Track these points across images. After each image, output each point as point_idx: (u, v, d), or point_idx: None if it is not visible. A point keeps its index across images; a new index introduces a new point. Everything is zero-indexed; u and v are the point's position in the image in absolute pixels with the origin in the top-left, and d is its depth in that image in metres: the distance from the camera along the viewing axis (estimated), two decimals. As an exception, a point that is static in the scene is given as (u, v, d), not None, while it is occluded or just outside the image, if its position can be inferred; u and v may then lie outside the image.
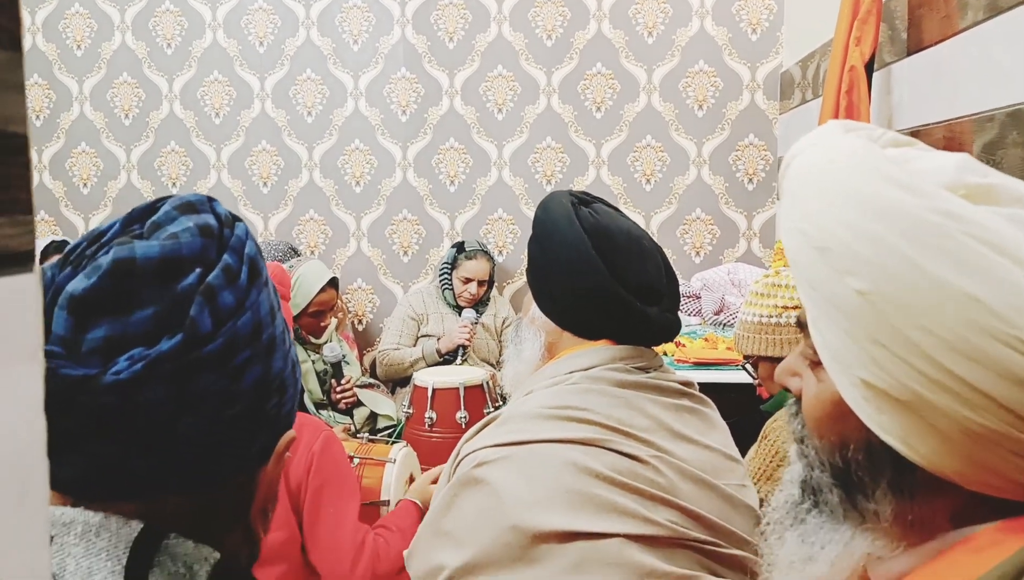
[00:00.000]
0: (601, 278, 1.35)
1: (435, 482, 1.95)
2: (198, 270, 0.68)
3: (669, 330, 1.44)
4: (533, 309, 1.48)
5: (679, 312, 1.50)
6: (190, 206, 0.72)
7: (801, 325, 0.73)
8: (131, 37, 4.17)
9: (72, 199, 4.26)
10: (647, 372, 1.40)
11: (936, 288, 0.59)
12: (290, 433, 0.79)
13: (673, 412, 1.36)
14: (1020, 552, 0.58)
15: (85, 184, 4.25)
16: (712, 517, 1.25)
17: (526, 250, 1.49)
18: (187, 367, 0.65)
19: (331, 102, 4.10)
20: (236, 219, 0.75)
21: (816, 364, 0.71)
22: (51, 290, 0.67)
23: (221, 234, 0.71)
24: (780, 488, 0.78)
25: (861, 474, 0.67)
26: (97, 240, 0.71)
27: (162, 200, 0.74)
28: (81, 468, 0.67)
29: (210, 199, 0.75)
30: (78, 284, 0.65)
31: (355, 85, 4.08)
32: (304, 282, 2.96)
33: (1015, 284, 0.57)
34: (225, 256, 0.70)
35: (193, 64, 4.15)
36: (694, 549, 1.22)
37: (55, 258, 0.73)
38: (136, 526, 0.68)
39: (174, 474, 0.69)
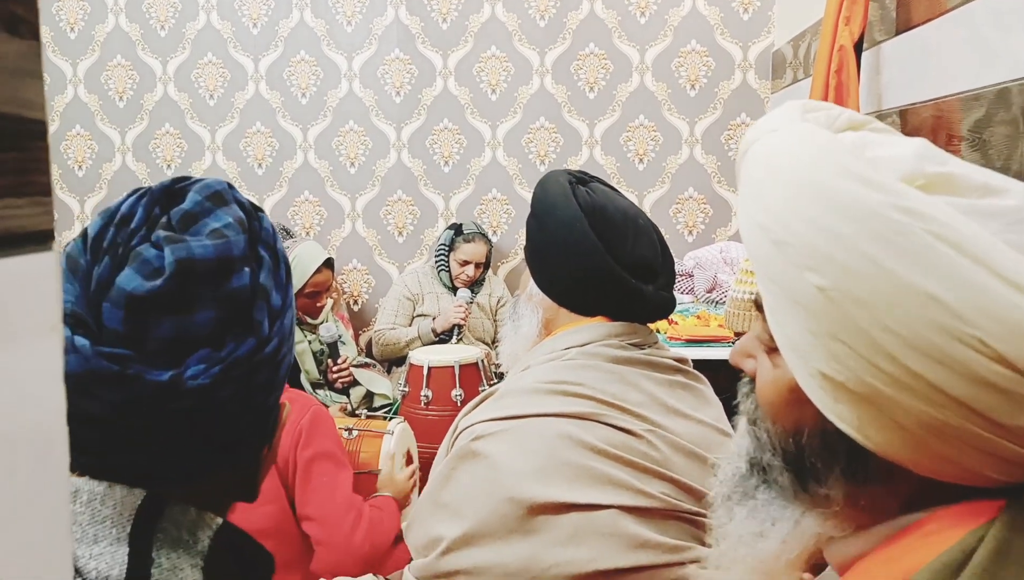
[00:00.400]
0: (597, 255, 1.37)
1: (413, 473, 1.98)
2: (247, 270, 0.70)
3: (664, 307, 1.46)
4: (531, 286, 1.50)
5: (674, 280, 1.52)
6: (220, 197, 0.74)
7: (759, 307, 0.72)
8: (124, 19, 4.16)
9: (67, 181, 4.26)
10: (642, 349, 1.42)
11: (896, 287, 0.59)
12: (287, 404, 0.83)
13: (667, 387, 1.39)
14: (967, 536, 0.59)
15: (80, 166, 4.26)
16: (704, 489, 1.27)
17: (520, 230, 1.52)
18: (253, 367, 0.69)
19: (325, 83, 4.10)
20: (257, 209, 0.77)
21: (772, 349, 0.71)
22: (95, 282, 0.68)
23: (251, 227, 0.74)
24: (727, 460, 0.78)
25: (815, 460, 0.67)
26: (124, 226, 0.71)
27: (182, 183, 0.75)
28: (144, 461, 0.70)
29: (229, 185, 0.77)
30: (136, 282, 0.67)
31: (349, 66, 4.08)
32: (300, 263, 2.98)
33: (974, 283, 0.57)
34: (263, 254, 0.73)
35: (187, 46, 4.15)
36: (686, 520, 1.25)
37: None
38: (139, 494, 0.71)
39: (224, 458, 0.73)
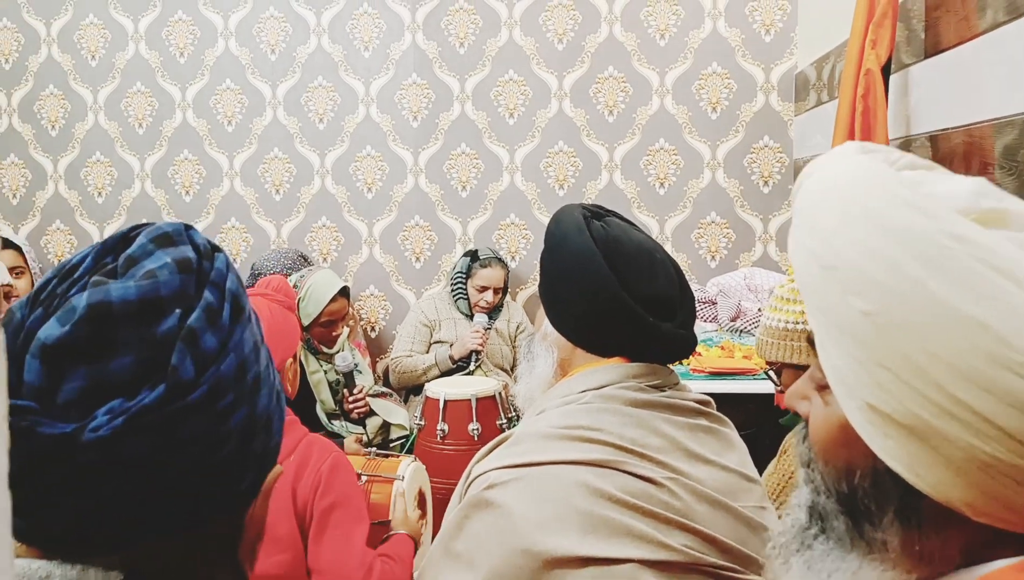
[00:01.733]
0: (612, 290, 1.33)
1: (423, 516, 1.92)
2: (178, 311, 0.65)
3: (684, 346, 1.41)
4: (545, 325, 1.45)
5: (695, 318, 1.46)
6: (167, 238, 0.69)
7: (811, 342, 0.71)
8: (144, 47, 4.17)
9: (87, 208, 4.27)
10: (662, 390, 1.37)
11: (943, 312, 0.57)
12: (276, 469, 0.76)
13: (688, 432, 1.33)
14: None
15: (100, 193, 4.26)
16: (728, 541, 1.22)
17: (539, 256, 1.47)
18: (170, 417, 0.63)
19: (343, 109, 4.09)
20: (215, 249, 0.72)
21: (824, 387, 0.70)
22: (22, 334, 0.64)
23: (200, 268, 0.69)
24: (787, 512, 0.77)
25: (867, 502, 0.66)
26: (68, 276, 0.67)
27: (137, 229, 0.71)
28: (62, 524, 0.64)
29: (187, 227, 0.72)
30: (51, 330, 0.62)
31: (366, 92, 4.07)
32: (315, 292, 2.95)
33: (1022, 310, 0.56)
34: (206, 293, 0.67)
35: (206, 73, 4.15)
36: (710, 575, 1.20)
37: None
38: (116, 577, 0.65)
39: (159, 522, 0.66)
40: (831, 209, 0.65)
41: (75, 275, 0.67)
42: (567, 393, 1.36)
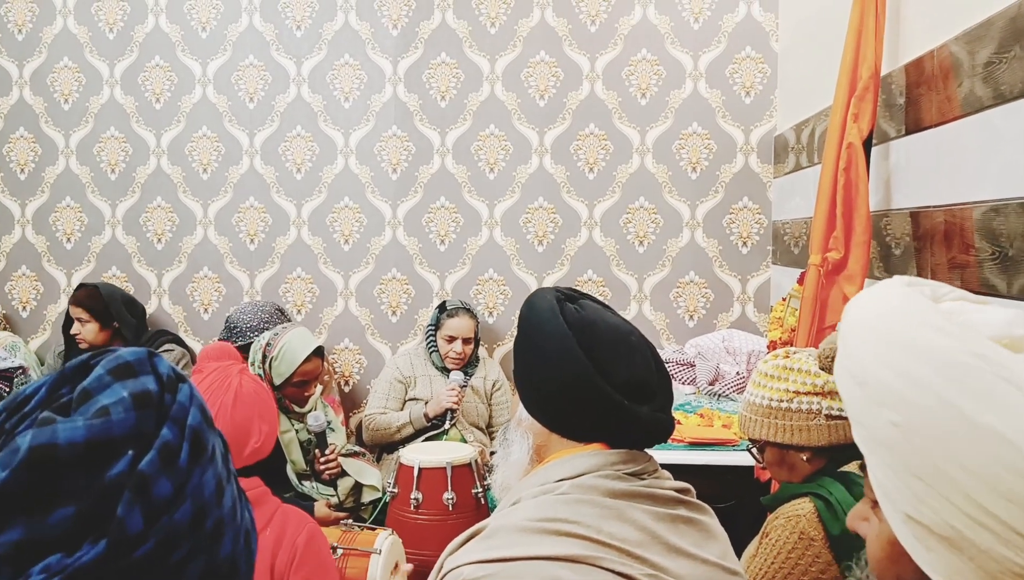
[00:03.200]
0: (586, 374, 1.29)
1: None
2: (130, 453, 0.59)
3: (662, 430, 1.37)
4: (520, 410, 1.41)
5: (673, 381, 1.43)
6: (127, 368, 0.64)
7: (863, 468, 0.76)
8: (120, 92, 4.12)
9: (55, 254, 4.18)
10: (641, 478, 1.32)
11: (967, 425, 0.61)
12: None
13: (668, 523, 1.29)
14: None
15: (69, 239, 4.18)
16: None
17: (517, 311, 1.44)
18: (113, 575, 0.57)
19: (321, 159, 4.05)
20: (180, 379, 0.66)
21: (877, 504, 0.74)
22: None
23: (161, 401, 0.63)
24: None
25: None
26: (19, 409, 0.62)
27: (98, 357, 0.65)
28: None
29: (151, 354, 0.66)
30: None
31: (345, 142, 4.04)
32: (289, 351, 2.88)
33: None
34: (164, 430, 0.61)
35: (182, 119, 4.10)
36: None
37: None
38: None
39: None
40: (866, 331, 0.72)
41: (26, 408, 0.62)
42: (543, 482, 1.31)
